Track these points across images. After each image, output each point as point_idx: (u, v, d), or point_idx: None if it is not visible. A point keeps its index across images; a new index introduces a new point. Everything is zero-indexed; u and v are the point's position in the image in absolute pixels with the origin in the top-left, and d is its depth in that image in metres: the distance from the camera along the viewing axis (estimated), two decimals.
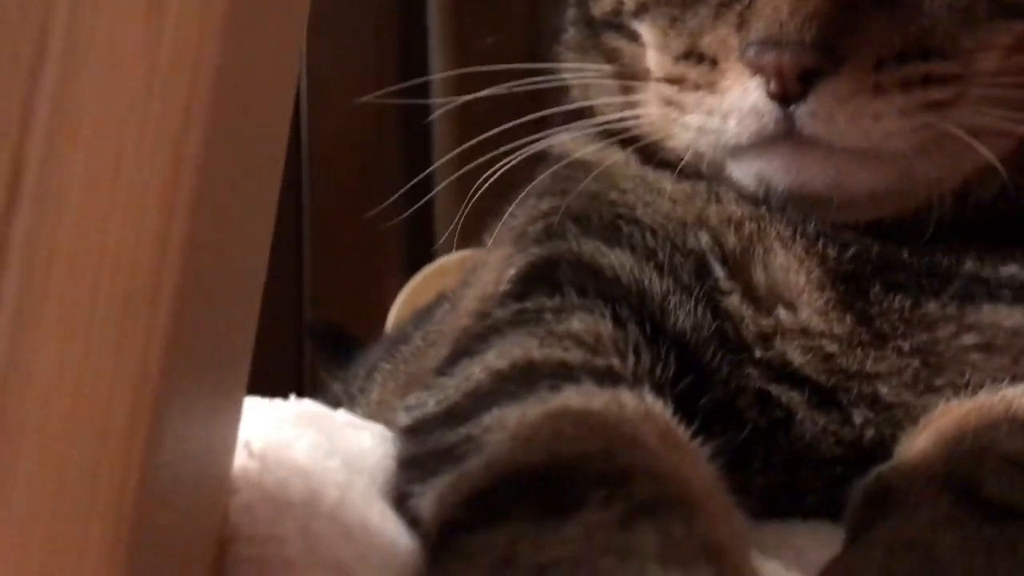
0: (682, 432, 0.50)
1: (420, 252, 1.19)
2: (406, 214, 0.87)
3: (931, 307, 0.60)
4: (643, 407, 0.50)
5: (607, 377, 0.53)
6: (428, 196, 0.89)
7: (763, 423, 0.61)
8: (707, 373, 0.62)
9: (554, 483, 0.42)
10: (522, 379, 0.54)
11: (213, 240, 0.40)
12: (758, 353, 0.62)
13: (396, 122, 1.19)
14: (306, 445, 0.51)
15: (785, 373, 0.61)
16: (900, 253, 0.62)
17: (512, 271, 0.68)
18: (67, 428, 0.36)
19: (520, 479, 0.43)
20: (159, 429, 0.37)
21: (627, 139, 0.69)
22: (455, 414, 0.54)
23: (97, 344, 0.36)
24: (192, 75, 0.36)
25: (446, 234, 0.79)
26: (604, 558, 0.37)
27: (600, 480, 0.41)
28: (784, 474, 0.61)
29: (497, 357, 0.57)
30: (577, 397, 0.50)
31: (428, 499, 0.49)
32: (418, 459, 0.52)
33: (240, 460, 0.48)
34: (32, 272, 0.36)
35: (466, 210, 0.72)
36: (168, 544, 0.40)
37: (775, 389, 0.61)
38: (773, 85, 0.58)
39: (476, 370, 0.58)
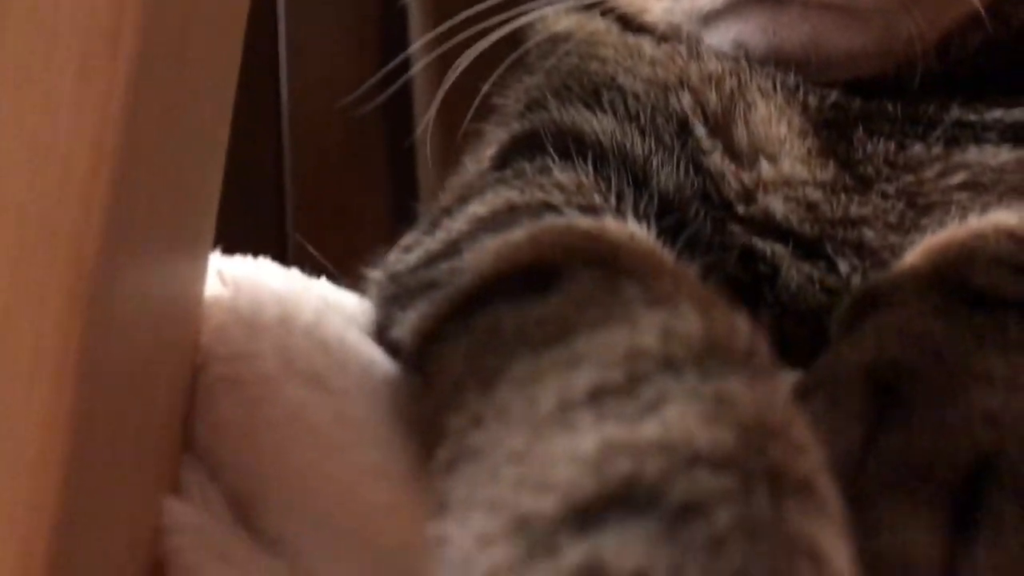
0: (668, 254, 0.49)
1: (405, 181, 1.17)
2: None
3: (916, 150, 0.59)
4: (628, 230, 0.49)
5: (590, 210, 0.52)
6: (404, 79, 0.88)
7: (748, 279, 0.60)
8: (691, 233, 0.61)
9: (538, 273, 0.41)
10: (504, 218, 0.53)
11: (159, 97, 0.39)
12: (741, 209, 0.61)
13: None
14: (281, 278, 0.50)
15: (769, 227, 0.60)
16: (883, 104, 0.61)
17: (494, 147, 0.67)
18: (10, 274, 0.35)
19: (503, 280, 0.42)
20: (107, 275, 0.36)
21: (606, 10, 0.69)
22: (436, 257, 0.54)
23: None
24: None
25: (424, 123, 0.78)
26: (589, 310, 0.36)
27: (585, 263, 0.40)
28: (771, 329, 0.60)
29: (479, 207, 0.57)
30: (561, 220, 0.49)
31: (409, 320, 0.48)
32: (399, 295, 0.51)
33: (213, 289, 0.48)
34: None
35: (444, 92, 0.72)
36: (128, 374, 0.39)
37: (760, 244, 0.60)
38: None
39: (457, 223, 0.57)
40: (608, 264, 0.40)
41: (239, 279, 0.48)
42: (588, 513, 0.28)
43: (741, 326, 0.36)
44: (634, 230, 0.49)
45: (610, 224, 0.49)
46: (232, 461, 0.45)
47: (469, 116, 0.71)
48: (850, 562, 0.29)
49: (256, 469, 0.44)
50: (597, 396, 0.31)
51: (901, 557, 0.35)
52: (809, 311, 0.60)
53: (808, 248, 0.60)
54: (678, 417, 0.30)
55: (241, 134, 0.54)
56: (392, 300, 0.52)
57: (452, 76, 0.71)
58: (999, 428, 0.37)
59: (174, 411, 0.46)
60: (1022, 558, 0.35)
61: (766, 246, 0.60)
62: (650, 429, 0.30)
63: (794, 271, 0.59)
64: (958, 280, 0.46)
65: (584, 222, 0.48)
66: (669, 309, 0.35)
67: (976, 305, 0.43)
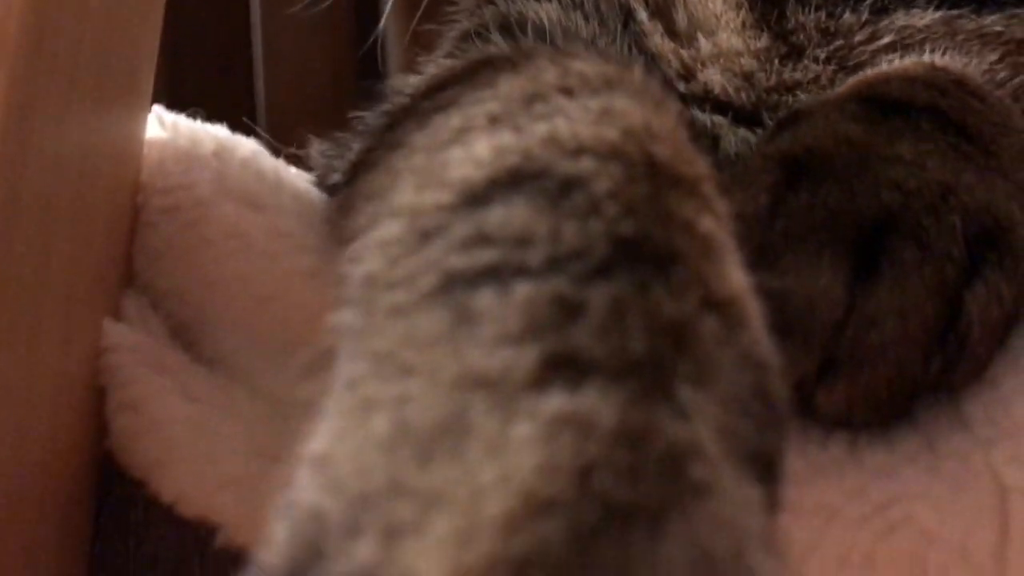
0: None
1: None
2: None
3: (846, 17, 0.61)
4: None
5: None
6: None
7: None
8: None
9: (461, 73, 0.42)
10: (444, 77, 0.54)
11: None
12: (682, 87, 0.62)
13: None
14: (221, 129, 0.51)
15: (708, 99, 0.62)
16: None
17: (446, 46, 0.69)
18: None
19: (430, 88, 0.43)
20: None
21: None
22: (372, 118, 0.55)
23: None
24: None
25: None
26: (501, 76, 0.36)
27: (506, 59, 0.41)
28: None
29: (417, 79, 0.58)
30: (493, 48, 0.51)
31: (346, 160, 0.48)
32: (339, 147, 0.52)
33: (151, 132, 0.49)
34: None
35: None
36: (56, 207, 0.40)
37: (700, 116, 0.61)
38: None
39: (397, 97, 0.58)
40: (526, 56, 0.40)
41: (178, 123, 0.49)
42: (477, 195, 0.29)
43: (637, 71, 0.37)
44: None
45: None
46: (171, 288, 0.45)
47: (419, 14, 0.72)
48: (738, 265, 0.30)
49: (195, 293, 0.45)
50: (495, 120, 0.32)
51: (806, 297, 0.36)
52: None
53: (746, 116, 0.61)
54: (566, 122, 0.31)
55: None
56: (332, 155, 0.53)
57: None
58: (904, 192, 0.39)
59: (115, 245, 0.47)
60: (920, 300, 0.36)
61: (706, 118, 0.61)
62: (539, 130, 0.31)
63: (733, 139, 0.61)
64: (874, 94, 0.47)
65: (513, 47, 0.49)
66: (571, 59, 0.36)
67: (891, 112, 0.45)
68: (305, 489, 0.24)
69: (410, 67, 0.76)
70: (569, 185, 0.28)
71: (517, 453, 0.23)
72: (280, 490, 0.26)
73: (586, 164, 0.29)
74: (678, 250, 0.28)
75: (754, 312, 0.28)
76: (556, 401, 0.24)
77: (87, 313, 0.44)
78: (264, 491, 0.35)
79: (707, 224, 0.29)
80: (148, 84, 0.50)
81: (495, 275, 0.26)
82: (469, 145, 0.31)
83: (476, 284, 0.26)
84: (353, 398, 0.26)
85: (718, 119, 0.61)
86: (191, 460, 0.41)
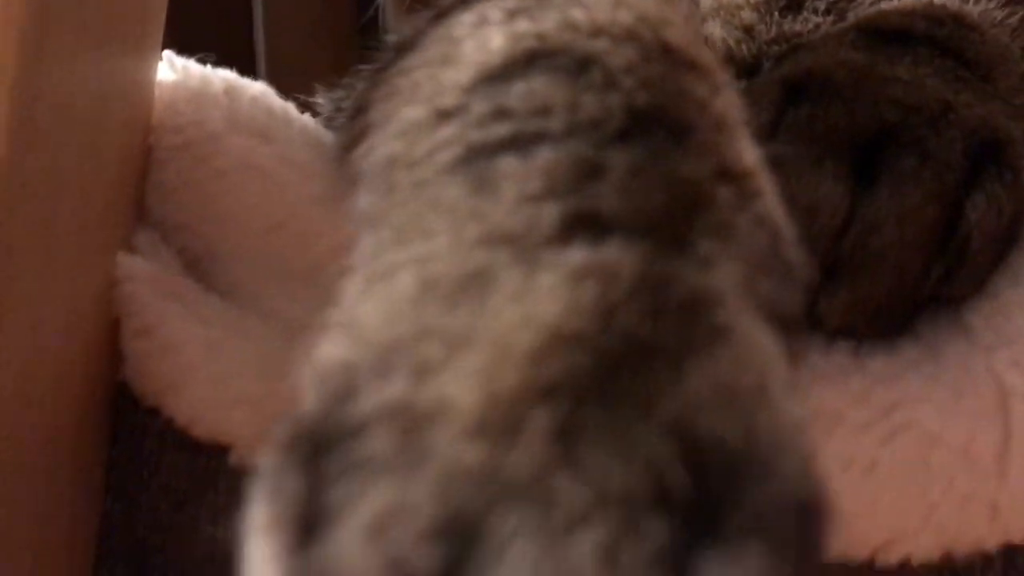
0: None
1: None
2: None
3: None
4: None
5: None
6: None
7: None
8: None
9: None
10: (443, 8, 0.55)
11: None
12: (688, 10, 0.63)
13: None
14: (230, 72, 0.51)
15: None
16: None
17: None
18: None
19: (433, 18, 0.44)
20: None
21: None
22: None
23: None
24: None
25: None
26: None
27: None
28: None
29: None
30: None
31: (354, 94, 0.49)
32: (347, 84, 0.53)
33: (162, 75, 0.50)
34: None
35: None
36: (68, 143, 0.41)
37: None
38: None
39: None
40: None
41: (188, 65, 0.49)
42: (495, 74, 0.29)
43: None
44: None
45: None
46: (183, 221, 0.46)
47: None
48: (750, 144, 0.31)
49: (207, 225, 0.46)
50: (510, 13, 0.33)
51: (808, 204, 0.36)
52: None
53: (748, 69, 0.62)
54: (582, 10, 0.32)
55: None
56: (338, 99, 0.54)
57: None
58: (904, 108, 0.39)
59: (127, 184, 0.47)
60: (920, 206, 0.37)
61: None
62: (555, 17, 0.31)
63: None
64: (874, 26, 0.48)
65: None
66: None
67: (893, 42, 0.45)
68: (333, 347, 0.25)
69: None
70: (586, 62, 0.29)
71: (542, 298, 0.23)
72: (291, 407, 0.27)
73: (602, 43, 0.30)
74: (692, 123, 0.29)
75: (767, 185, 0.29)
76: (579, 254, 0.24)
77: (100, 248, 0.45)
78: (276, 409, 0.35)
79: (720, 104, 0.30)
80: (159, 28, 0.50)
81: (516, 144, 0.27)
82: (484, 37, 0.32)
83: (497, 153, 0.27)
84: (377, 264, 0.27)
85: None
86: (204, 381, 0.41)
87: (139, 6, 0.50)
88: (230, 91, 0.48)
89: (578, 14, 0.31)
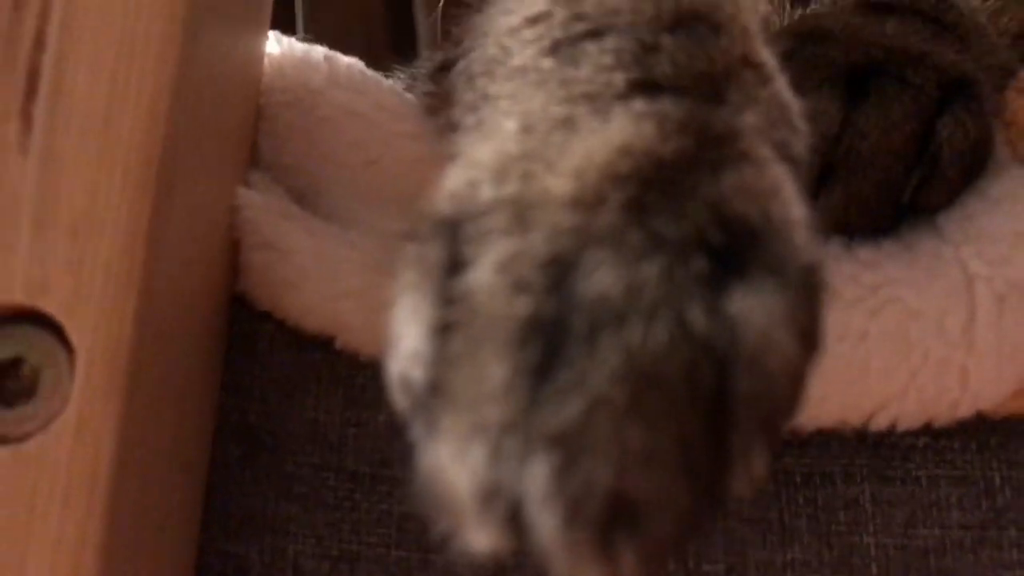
0: None
1: None
2: None
3: None
4: None
5: None
6: None
7: None
8: None
9: None
10: None
11: None
12: None
13: None
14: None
15: None
16: None
17: None
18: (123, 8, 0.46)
19: None
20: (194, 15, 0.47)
21: None
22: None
23: None
24: None
25: None
26: None
27: None
28: None
29: None
30: None
31: (428, 69, 0.59)
32: (420, 66, 0.63)
33: (269, 49, 0.59)
34: None
35: None
36: (208, 100, 0.51)
37: None
38: None
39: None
40: None
41: (291, 41, 0.59)
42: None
43: None
44: None
45: None
46: (292, 163, 0.55)
47: None
48: (768, 49, 0.40)
49: (312, 164, 0.55)
50: None
51: (811, 113, 0.45)
52: None
53: None
54: None
55: None
56: (414, 74, 0.64)
57: None
58: (888, 50, 0.49)
59: (243, 133, 0.57)
60: (901, 120, 0.46)
61: None
62: None
63: None
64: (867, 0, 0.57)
65: None
66: None
67: (884, 10, 0.55)
68: (455, 175, 0.34)
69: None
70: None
71: (613, 131, 0.33)
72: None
73: None
74: (724, 24, 0.38)
75: (779, 74, 0.38)
76: (640, 105, 0.34)
77: (224, 183, 0.55)
78: (375, 302, 0.45)
79: (744, 17, 0.39)
80: (268, 9, 0.60)
81: (591, 35, 0.36)
82: None
83: (577, 42, 0.36)
84: (486, 125, 0.36)
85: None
86: (315, 279, 0.50)
87: None
88: (329, 58, 0.57)
89: None
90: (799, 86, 0.48)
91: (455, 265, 0.31)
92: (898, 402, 0.47)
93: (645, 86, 0.34)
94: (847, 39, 0.50)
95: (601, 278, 0.29)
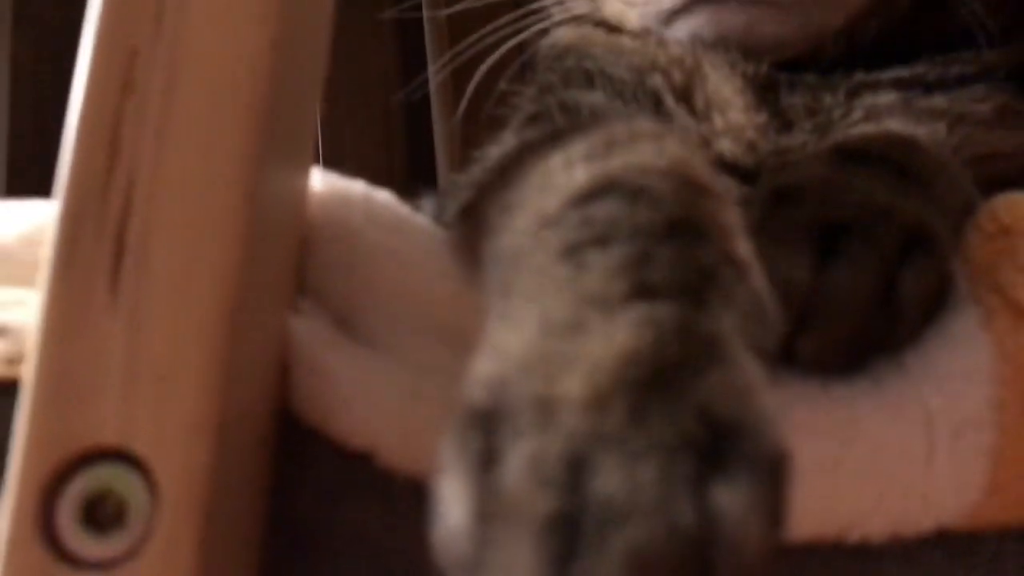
0: None
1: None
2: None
3: (827, 99, 0.79)
4: None
5: None
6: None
7: None
8: None
9: (550, 137, 0.59)
10: (520, 146, 0.73)
11: (291, 49, 0.59)
12: (701, 153, 0.80)
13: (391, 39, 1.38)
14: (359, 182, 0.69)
15: (722, 164, 0.79)
16: (804, 75, 0.81)
17: (512, 126, 0.87)
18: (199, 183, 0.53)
19: (520, 149, 0.61)
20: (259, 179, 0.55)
21: (594, 20, 0.90)
22: (471, 179, 0.73)
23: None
24: None
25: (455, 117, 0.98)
26: (577, 134, 0.54)
27: (586, 124, 0.58)
28: None
29: (501, 147, 0.76)
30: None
31: (455, 205, 0.66)
32: (447, 200, 0.70)
33: (313, 184, 0.67)
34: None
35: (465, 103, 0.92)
36: (273, 234, 0.58)
37: None
38: None
39: (484, 162, 0.76)
40: (599, 119, 0.58)
41: (332, 177, 0.67)
42: (583, 198, 0.46)
43: (674, 127, 0.55)
44: None
45: None
46: (335, 291, 0.63)
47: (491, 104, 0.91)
48: (747, 244, 0.47)
49: (353, 294, 0.62)
50: (588, 156, 0.50)
51: (786, 276, 0.53)
52: None
53: (750, 177, 0.79)
54: (636, 157, 0.48)
55: None
56: (441, 203, 0.71)
57: (475, 79, 0.91)
58: (854, 208, 0.56)
59: (291, 263, 0.64)
60: (866, 277, 0.53)
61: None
62: (619, 161, 0.48)
63: (740, 195, 0.78)
64: (842, 148, 0.65)
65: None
66: (634, 121, 0.54)
67: (855, 161, 0.62)
68: (487, 362, 0.41)
69: (462, 161, 0.95)
70: (640, 190, 0.46)
71: (619, 335, 0.40)
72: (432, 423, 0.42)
73: (650, 179, 0.47)
74: (708, 229, 0.45)
75: (756, 268, 0.46)
76: (639, 310, 0.41)
77: (281, 309, 0.62)
78: (412, 425, 0.53)
79: (727, 217, 0.47)
80: (311, 146, 0.68)
81: (598, 242, 0.44)
82: (573, 172, 0.49)
83: (586, 248, 0.44)
84: (510, 319, 0.43)
85: (730, 179, 0.79)
86: (358, 406, 0.57)
87: (303, 130, 0.67)
88: (366, 195, 0.65)
89: (633, 159, 0.48)
90: (776, 245, 0.55)
91: (490, 454, 0.38)
92: (867, 521, 0.54)
93: (643, 292, 0.42)
94: (818, 198, 0.57)
95: (608, 479, 0.36)
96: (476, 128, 0.96)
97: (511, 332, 0.42)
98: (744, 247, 0.46)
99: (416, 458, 0.56)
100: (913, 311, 0.54)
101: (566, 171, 0.49)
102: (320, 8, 0.66)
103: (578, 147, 0.51)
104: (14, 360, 0.60)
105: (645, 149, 0.49)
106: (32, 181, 1.39)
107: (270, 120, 0.55)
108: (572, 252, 0.44)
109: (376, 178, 1.39)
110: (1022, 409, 0.54)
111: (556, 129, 0.63)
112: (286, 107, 0.59)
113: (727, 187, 0.50)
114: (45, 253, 0.68)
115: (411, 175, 1.38)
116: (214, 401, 0.51)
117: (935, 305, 0.56)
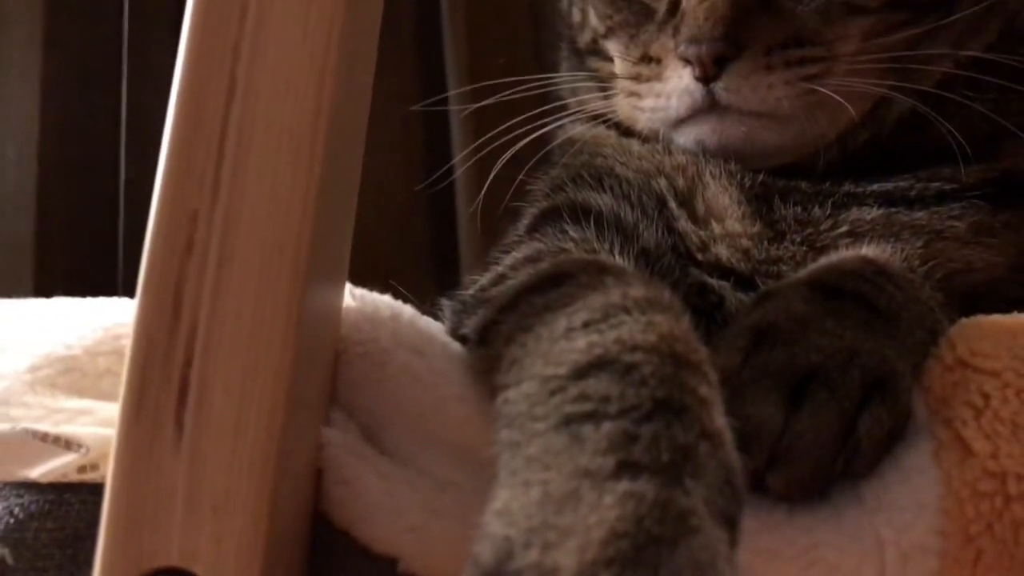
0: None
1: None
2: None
3: (815, 211, 0.86)
4: (612, 259, 0.76)
5: (593, 253, 0.80)
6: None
7: (703, 306, 0.86)
8: (663, 275, 0.88)
9: (555, 276, 0.67)
10: (534, 257, 0.81)
11: (334, 180, 0.66)
12: (700, 257, 0.88)
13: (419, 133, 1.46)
14: (387, 297, 0.77)
15: (717, 268, 0.87)
16: (798, 183, 0.88)
17: (527, 219, 0.95)
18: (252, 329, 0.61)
19: (534, 284, 0.69)
20: (306, 299, 0.63)
21: (607, 121, 0.97)
22: (489, 285, 0.81)
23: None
24: None
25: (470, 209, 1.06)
26: (584, 289, 0.62)
27: (584, 270, 0.66)
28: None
29: (518, 253, 0.84)
30: (574, 255, 0.77)
31: (472, 322, 0.74)
32: (465, 309, 0.78)
33: (346, 301, 0.75)
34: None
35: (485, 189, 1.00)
36: (313, 357, 0.66)
37: (710, 280, 0.86)
38: (698, 70, 0.86)
39: (503, 266, 0.84)
40: (598, 270, 0.66)
41: (363, 294, 0.75)
42: (580, 372, 0.54)
43: (665, 293, 0.62)
44: (615, 260, 0.77)
45: (602, 255, 0.76)
46: (363, 405, 0.71)
47: (508, 197, 0.98)
48: (721, 412, 0.55)
49: (380, 409, 0.70)
50: (587, 325, 0.58)
51: (758, 420, 0.60)
52: None
53: (744, 282, 0.86)
54: (627, 332, 0.56)
55: None
56: (460, 312, 0.79)
57: (496, 168, 0.99)
58: (823, 354, 0.63)
59: (327, 378, 0.72)
60: (829, 423, 0.61)
61: (715, 282, 0.87)
62: (613, 335, 0.56)
63: (734, 299, 0.86)
64: (819, 282, 0.72)
65: (588, 256, 0.75)
66: (627, 285, 0.62)
67: (829, 296, 0.70)
68: (495, 526, 0.49)
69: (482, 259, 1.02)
70: (630, 368, 0.54)
71: (606, 509, 0.48)
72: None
73: (638, 356, 0.55)
74: (688, 405, 0.53)
75: (728, 437, 0.54)
76: (625, 485, 0.49)
77: (317, 422, 0.70)
78: (432, 536, 0.61)
79: (704, 390, 0.55)
80: (347, 264, 0.76)
81: (591, 417, 0.52)
82: (572, 341, 0.57)
83: (582, 422, 0.52)
84: (517, 480, 0.51)
85: (724, 284, 0.87)
86: (383, 516, 0.65)
87: (341, 248, 0.75)
88: (394, 315, 0.73)
89: (625, 333, 0.56)
90: (754, 390, 0.63)
91: None
92: None
93: (628, 467, 0.50)
94: (792, 338, 0.64)
95: None
96: (495, 214, 1.04)
97: (517, 495, 0.50)
98: (720, 418, 0.54)
99: (436, 567, 0.64)
100: (870, 451, 0.62)
101: (568, 339, 0.57)
102: (355, 149, 0.74)
103: (580, 314, 0.59)
104: (84, 468, 0.69)
105: (636, 321, 0.57)
106: (61, 189, 1.48)
107: (314, 259, 0.63)
108: (568, 424, 0.52)
109: (402, 249, 1.47)
110: (963, 539, 0.61)
111: (561, 270, 0.69)
112: (328, 236, 0.67)
113: (705, 356, 0.58)
114: (106, 363, 0.77)
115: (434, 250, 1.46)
116: (263, 523, 0.59)
117: (892, 441, 0.64)
